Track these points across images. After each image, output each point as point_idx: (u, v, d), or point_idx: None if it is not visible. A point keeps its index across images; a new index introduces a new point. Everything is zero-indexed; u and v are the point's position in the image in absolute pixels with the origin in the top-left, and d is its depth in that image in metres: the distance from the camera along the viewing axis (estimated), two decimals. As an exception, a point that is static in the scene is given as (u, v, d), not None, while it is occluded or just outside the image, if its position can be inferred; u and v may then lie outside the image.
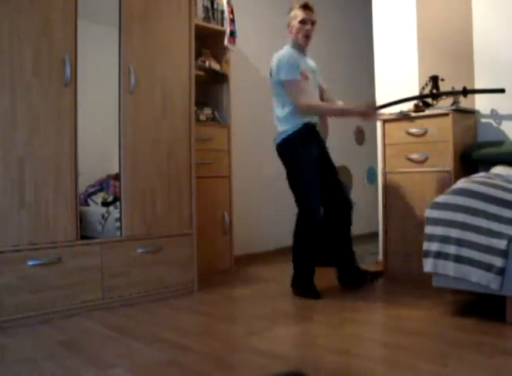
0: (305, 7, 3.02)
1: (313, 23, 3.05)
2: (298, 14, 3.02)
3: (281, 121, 3.04)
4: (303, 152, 2.97)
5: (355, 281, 3.18)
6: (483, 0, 3.51)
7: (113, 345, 2.19)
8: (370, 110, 2.95)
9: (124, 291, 2.84)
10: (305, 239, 3.00)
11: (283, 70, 2.95)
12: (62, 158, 2.63)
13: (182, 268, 3.11)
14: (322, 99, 3.25)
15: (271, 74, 3.05)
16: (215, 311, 2.75)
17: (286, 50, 3.03)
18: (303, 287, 2.98)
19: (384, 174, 3.38)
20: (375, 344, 2.17)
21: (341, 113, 3.13)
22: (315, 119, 3.08)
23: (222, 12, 3.91)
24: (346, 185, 3.23)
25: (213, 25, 3.86)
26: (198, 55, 3.69)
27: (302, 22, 3.02)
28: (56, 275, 2.58)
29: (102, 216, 2.94)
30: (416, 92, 3.40)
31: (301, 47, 3.08)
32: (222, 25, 3.90)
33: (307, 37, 3.05)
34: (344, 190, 3.20)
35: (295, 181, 3.02)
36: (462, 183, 2.55)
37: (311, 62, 3.21)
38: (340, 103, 3.23)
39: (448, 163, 3.07)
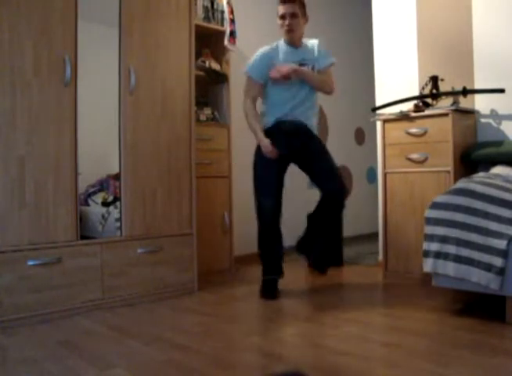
0: (284, 0, 2.97)
1: (293, 15, 2.95)
2: (279, 9, 3.00)
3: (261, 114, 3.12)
4: (261, 152, 3.00)
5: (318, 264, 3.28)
6: (483, 0, 3.52)
7: (113, 345, 2.19)
8: (266, 150, 2.95)
9: (124, 291, 2.84)
10: (258, 233, 3.13)
11: (248, 62, 3.06)
12: (62, 158, 2.63)
13: (182, 268, 3.11)
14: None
15: None
16: (215, 311, 2.75)
17: (269, 46, 3.07)
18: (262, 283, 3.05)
19: (384, 174, 3.38)
20: (375, 344, 2.17)
21: (255, 135, 3.03)
22: (291, 115, 3.00)
23: (222, 12, 3.91)
24: (336, 173, 3.06)
25: (213, 25, 3.86)
26: (198, 55, 3.69)
27: (281, 17, 2.99)
28: (56, 275, 2.58)
29: (103, 216, 2.94)
30: (416, 92, 3.40)
31: (289, 41, 3.02)
32: (222, 25, 3.90)
33: (289, 31, 2.97)
34: (329, 179, 3.03)
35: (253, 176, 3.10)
36: (462, 183, 2.55)
37: (308, 52, 3.05)
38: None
39: (448, 163, 3.07)
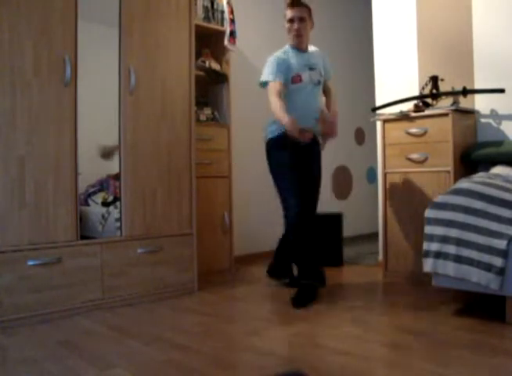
0: (292, 4, 2.96)
1: (302, 19, 2.94)
2: (287, 13, 2.98)
3: (271, 118, 2.98)
4: (278, 155, 2.97)
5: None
6: (483, 0, 3.52)
7: (113, 345, 2.19)
8: (291, 127, 2.72)
9: (124, 291, 2.84)
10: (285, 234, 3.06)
11: (264, 71, 2.94)
12: (62, 158, 2.63)
13: (182, 268, 3.11)
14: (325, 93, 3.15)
15: None
16: (215, 311, 2.75)
17: (280, 51, 3.01)
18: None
19: (384, 174, 3.39)
20: (375, 344, 2.17)
21: (278, 117, 2.80)
22: (301, 121, 2.82)
23: (222, 12, 3.91)
24: (315, 196, 3.05)
25: (213, 25, 3.86)
26: (198, 55, 3.69)
27: (289, 21, 2.97)
28: (56, 275, 2.58)
29: (103, 216, 2.94)
30: (416, 92, 3.40)
31: (296, 46, 3.00)
32: (222, 25, 3.90)
33: (298, 36, 2.95)
34: (306, 198, 2.94)
35: (274, 179, 3.02)
36: (462, 183, 2.55)
37: (315, 58, 3.05)
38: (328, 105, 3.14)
39: (448, 163, 3.07)
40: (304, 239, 2.85)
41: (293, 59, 2.97)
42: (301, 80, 2.95)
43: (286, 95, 2.91)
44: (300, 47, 3.00)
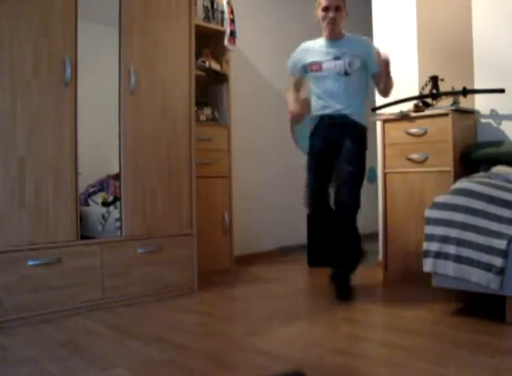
0: None
1: (338, 8, 2.89)
2: (321, 1, 2.91)
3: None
4: (309, 142, 3.04)
5: (340, 292, 2.93)
6: (483, 0, 3.52)
7: (113, 345, 2.19)
8: (294, 114, 2.95)
9: (124, 291, 2.84)
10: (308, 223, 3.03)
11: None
12: (62, 158, 2.63)
13: (182, 268, 3.11)
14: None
15: None
16: (215, 311, 2.75)
17: (310, 41, 3.08)
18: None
19: (384, 174, 3.38)
20: (375, 344, 2.17)
21: (287, 98, 3.04)
22: (330, 107, 2.94)
23: (222, 12, 3.91)
24: (352, 184, 2.88)
25: (213, 25, 3.86)
26: (198, 55, 3.69)
27: (325, 9, 2.89)
28: (56, 275, 2.58)
29: (103, 216, 2.94)
30: (416, 92, 3.40)
31: (329, 35, 2.95)
32: (222, 25, 3.90)
33: (332, 24, 2.90)
34: (342, 190, 2.89)
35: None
36: (462, 183, 2.55)
37: (349, 47, 2.94)
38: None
39: (448, 163, 3.07)
40: (320, 234, 2.99)
41: (319, 47, 3.00)
42: (320, 68, 2.95)
43: (311, 82, 3.05)
44: (332, 36, 2.95)
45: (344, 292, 2.89)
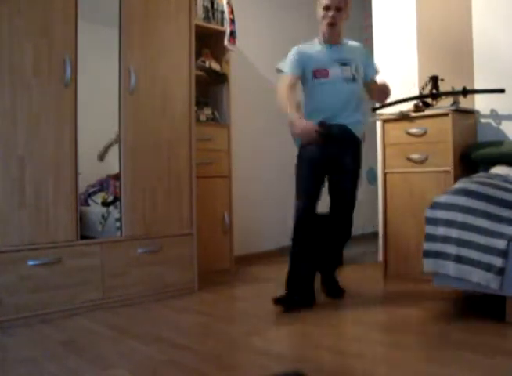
0: None
1: (338, 8, 2.73)
2: (323, 0, 2.77)
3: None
4: (304, 150, 2.79)
5: (332, 292, 2.98)
6: (483, 0, 3.52)
7: (113, 345, 2.19)
8: (296, 131, 2.63)
9: (124, 291, 2.84)
10: (292, 235, 2.81)
11: (286, 59, 2.81)
12: (62, 158, 2.63)
13: (182, 268, 3.11)
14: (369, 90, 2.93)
15: None
16: (215, 311, 2.75)
17: (307, 42, 2.87)
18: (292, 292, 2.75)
19: (384, 174, 3.38)
20: (375, 344, 2.17)
21: (283, 110, 2.67)
22: (334, 119, 2.74)
23: (222, 12, 3.91)
24: (350, 205, 2.84)
25: (213, 25, 3.86)
26: (198, 55, 3.69)
27: (325, 8, 2.73)
28: (56, 275, 2.58)
29: (103, 216, 2.94)
30: (416, 92, 3.40)
31: (327, 37, 2.80)
32: (222, 25, 3.90)
33: (331, 24, 2.74)
34: (340, 209, 2.85)
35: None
36: (462, 183, 2.55)
37: (350, 52, 2.83)
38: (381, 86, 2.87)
39: (448, 163, 3.07)
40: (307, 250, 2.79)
41: (319, 52, 2.81)
42: (327, 75, 2.75)
43: (305, 90, 2.83)
44: (331, 39, 2.80)
45: (336, 292, 2.96)
